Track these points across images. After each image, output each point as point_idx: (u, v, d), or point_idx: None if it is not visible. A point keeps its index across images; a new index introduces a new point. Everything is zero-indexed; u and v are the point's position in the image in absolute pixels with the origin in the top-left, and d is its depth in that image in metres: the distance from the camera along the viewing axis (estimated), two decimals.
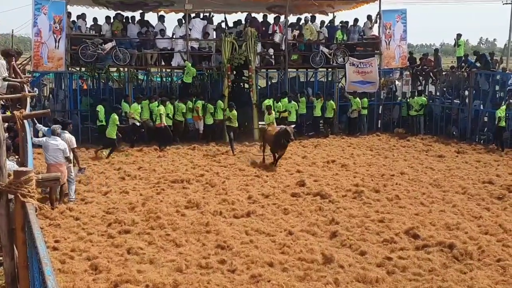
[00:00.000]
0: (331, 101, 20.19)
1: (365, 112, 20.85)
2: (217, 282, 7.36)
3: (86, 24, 19.60)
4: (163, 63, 20.29)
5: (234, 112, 17.17)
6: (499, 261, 8.00)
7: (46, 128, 12.50)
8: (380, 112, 22.26)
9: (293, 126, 15.66)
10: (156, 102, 17.86)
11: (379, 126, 22.04)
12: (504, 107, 17.49)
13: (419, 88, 22.30)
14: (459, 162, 15.87)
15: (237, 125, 17.38)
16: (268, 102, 18.84)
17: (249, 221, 10.19)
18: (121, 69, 19.85)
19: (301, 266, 7.95)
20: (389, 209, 10.90)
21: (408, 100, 21.43)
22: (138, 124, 17.42)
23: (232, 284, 7.30)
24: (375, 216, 10.32)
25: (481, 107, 19.37)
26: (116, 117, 16.23)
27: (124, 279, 7.34)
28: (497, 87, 19.42)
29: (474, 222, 10.02)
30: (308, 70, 22.59)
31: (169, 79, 22.48)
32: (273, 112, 17.47)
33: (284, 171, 14.43)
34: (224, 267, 7.96)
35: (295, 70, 22.63)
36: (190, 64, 19.06)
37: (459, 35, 21.67)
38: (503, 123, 17.31)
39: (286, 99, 19.25)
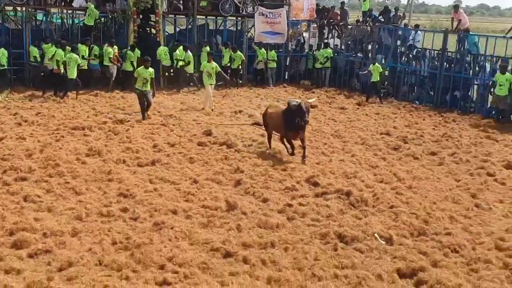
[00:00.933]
0: (239, 52, 20.03)
1: (273, 65, 20.94)
2: (118, 229, 7.25)
3: None
4: (63, 3, 19.11)
5: (151, 70, 13.95)
6: (392, 208, 8.47)
7: None
8: (287, 63, 22.49)
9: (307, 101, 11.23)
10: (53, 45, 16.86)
11: (286, 77, 22.31)
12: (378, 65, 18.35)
13: (326, 41, 22.70)
14: (359, 114, 16.50)
15: (149, 88, 13.97)
16: (164, 50, 18.48)
17: (154, 169, 10.07)
18: (18, 8, 18.46)
19: (205, 213, 8.02)
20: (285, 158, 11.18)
21: (314, 52, 21.78)
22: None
23: (134, 232, 7.22)
24: (278, 165, 10.55)
25: (383, 61, 20.10)
26: (76, 56, 15.97)
27: (20, 227, 7.06)
28: (398, 42, 20.17)
29: (371, 171, 10.54)
30: (218, 18, 22.23)
31: (70, 21, 21.24)
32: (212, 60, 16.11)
33: (191, 121, 14.29)
34: (126, 215, 7.86)
35: (204, 17, 22.18)
36: (93, 6, 18.13)
37: None
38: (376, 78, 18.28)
39: (181, 48, 18.87)
